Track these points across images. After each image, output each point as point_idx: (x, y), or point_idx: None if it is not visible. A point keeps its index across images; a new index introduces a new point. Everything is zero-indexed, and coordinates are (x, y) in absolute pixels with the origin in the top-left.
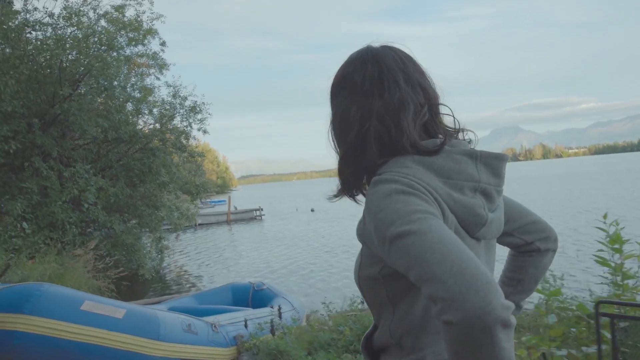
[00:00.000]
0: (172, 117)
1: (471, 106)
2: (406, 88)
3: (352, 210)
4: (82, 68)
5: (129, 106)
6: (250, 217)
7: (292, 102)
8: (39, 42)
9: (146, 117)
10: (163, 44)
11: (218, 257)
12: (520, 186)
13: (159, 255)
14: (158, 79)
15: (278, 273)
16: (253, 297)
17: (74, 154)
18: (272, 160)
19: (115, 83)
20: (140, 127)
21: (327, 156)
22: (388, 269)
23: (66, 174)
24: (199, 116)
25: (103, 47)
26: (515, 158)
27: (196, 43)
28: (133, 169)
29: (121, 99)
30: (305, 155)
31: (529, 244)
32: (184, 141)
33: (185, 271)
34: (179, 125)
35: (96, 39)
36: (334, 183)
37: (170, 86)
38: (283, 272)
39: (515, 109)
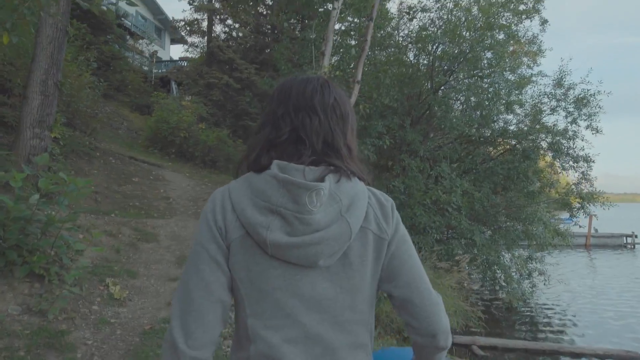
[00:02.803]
0: (552, 111)
1: None
2: (267, 119)
3: None
4: (452, 57)
5: (499, 100)
6: (618, 243)
7: None
8: (407, 41)
9: (517, 112)
10: (544, 22)
11: (590, 297)
12: None
13: (529, 281)
14: (530, 67)
15: None
16: None
17: (438, 153)
18: (622, 177)
19: (492, 69)
20: (508, 124)
21: None
22: None
23: (432, 172)
24: (585, 110)
25: (476, 32)
26: None
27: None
28: (498, 173)
29: (493, 90)
30: None
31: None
32: (563, 142)
33: (545, 307)
34: (556, 123)
35: (470, 18)
36: None
37: (545, 76)
38: None
39: None
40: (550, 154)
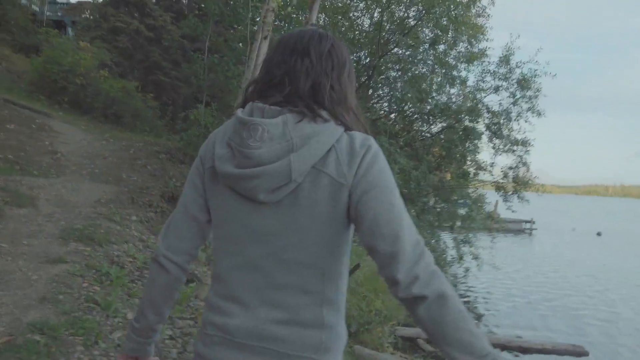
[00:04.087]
0: (495, 90)
1: None
2: (263, 64)
3: None
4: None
5: (449, 71)
6: (518, 229)
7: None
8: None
9: (452, 92)
10: None
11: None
12: None
13: (460, 265)
14: (473, 45)
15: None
16: None
17: (378, 125)
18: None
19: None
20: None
21: (573, 169)
22: None
23: None
24: (528, 92)
25: None
26: None
27: None
28: (436, 151)
29: (437, 60)
30: (543, 165)
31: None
32: (502, 122)
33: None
34: (501, 102)
35: None
36: (586, 202)
37: (487, 54)
38: None
39: None
40: (486, 134)
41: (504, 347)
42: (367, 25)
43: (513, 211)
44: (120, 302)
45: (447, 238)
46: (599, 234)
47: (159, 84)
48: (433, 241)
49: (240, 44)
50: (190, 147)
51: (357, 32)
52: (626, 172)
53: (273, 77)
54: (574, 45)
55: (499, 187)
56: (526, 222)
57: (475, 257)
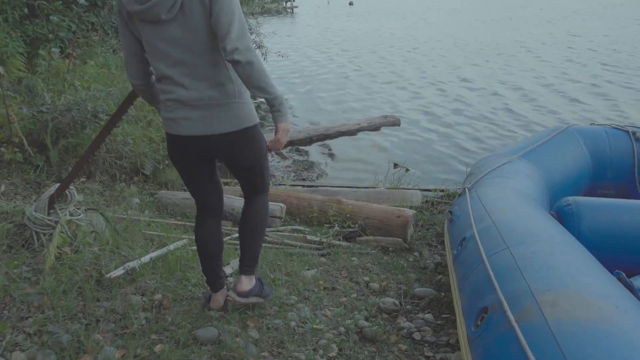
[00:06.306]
0: None
1: None
2: None
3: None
4: None
5: None
6: (278, 9)
7: None
8: None
9: None
10: None
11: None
12: None
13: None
14: None
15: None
16: None
17: None
18: None
19: None
20: None
21: None
22: None
23: None
24: None
25: None
26: None
27: None
28: None
29: None
30: None
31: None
32: None
33: None
34: None
35: None
36: None
37: None
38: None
39: None
40: None
41: (324, 136)
42: None
43: None
44: None
45: None
46: (351, 3)
47: None
48: None
49: None
50: None
51: None
52: None
53: None
54: None
55: None
56: (286, 1)
57: (259, 46)
